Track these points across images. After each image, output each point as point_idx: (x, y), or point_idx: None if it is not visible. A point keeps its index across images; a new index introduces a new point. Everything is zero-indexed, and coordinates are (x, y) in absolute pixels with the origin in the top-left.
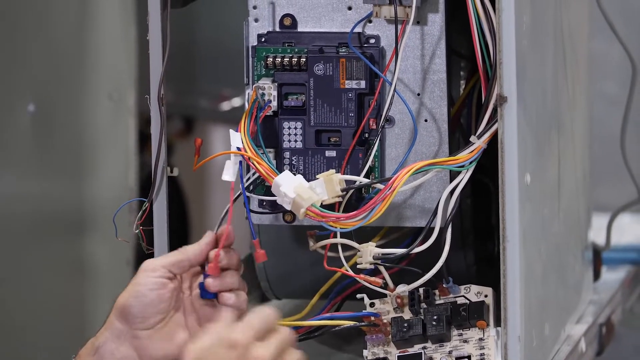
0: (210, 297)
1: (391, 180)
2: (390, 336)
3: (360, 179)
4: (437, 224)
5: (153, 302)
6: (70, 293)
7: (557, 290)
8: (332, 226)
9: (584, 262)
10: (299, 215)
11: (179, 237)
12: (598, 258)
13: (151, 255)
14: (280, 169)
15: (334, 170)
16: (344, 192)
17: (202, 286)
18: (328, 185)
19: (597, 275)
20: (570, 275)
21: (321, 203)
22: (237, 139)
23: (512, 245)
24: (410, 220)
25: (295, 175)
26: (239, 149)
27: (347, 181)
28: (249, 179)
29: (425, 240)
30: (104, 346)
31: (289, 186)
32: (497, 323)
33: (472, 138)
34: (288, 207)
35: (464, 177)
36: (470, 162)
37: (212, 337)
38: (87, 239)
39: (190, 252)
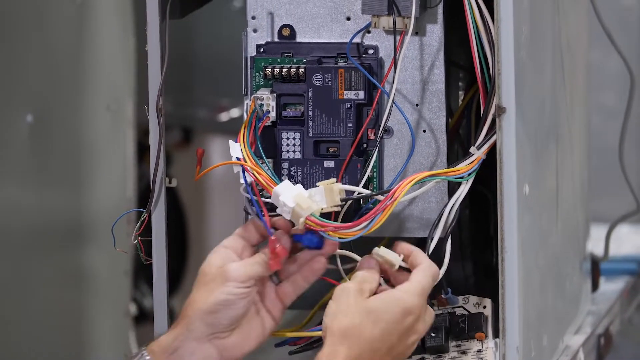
0: (318, 244)
1: (392, 191)
2: None
3: (361, 190)
4: (437, 234)
5: (241, 310)
6: (68, 303)
7: (555, 301)
8: (331, 236)
9: (582, 272)
10: (299, 224)
11: (178, 247)
12: (596, 269)
13: (149, 267)
14: (278, 180)
15: (334, 180)
16: (343, 202)
17: (309, 238)
18: (328, 194)
19: (595, 286)
20: (568, 286)
21: (320, 212)
22: (236, 149)
23: (510, 255)
24: (409, 230)
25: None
26: (238, 159)
27: (347, 191)
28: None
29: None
30: (183, 346)
31: (288, 196)
32: (496, 334)
33: (472, 149)
34: (288, 217)
35: (464, 189)
36: (470, 174)
37: (388, 297)
38: (85, 249)
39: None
